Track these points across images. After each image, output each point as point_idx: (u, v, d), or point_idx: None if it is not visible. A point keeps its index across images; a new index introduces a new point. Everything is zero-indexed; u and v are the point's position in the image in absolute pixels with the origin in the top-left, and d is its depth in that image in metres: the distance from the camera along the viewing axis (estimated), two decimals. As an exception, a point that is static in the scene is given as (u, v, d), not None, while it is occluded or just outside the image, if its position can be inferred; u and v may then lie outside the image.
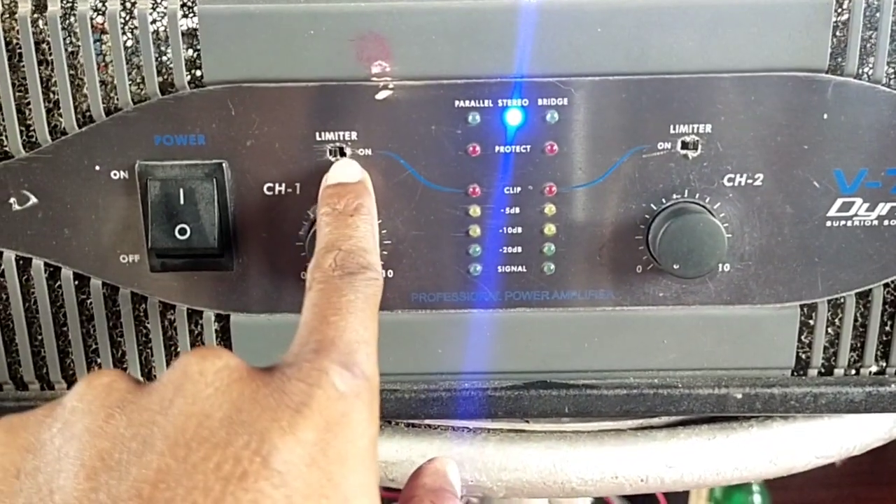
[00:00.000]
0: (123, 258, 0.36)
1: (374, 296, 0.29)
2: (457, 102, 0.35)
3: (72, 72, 0.34)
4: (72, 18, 0.34)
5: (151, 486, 0.22)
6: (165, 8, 0.34)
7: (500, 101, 0.35)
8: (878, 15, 0.34)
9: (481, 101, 0.35)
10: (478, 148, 0.35)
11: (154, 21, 0.34)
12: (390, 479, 0.38)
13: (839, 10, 0.34)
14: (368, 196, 0.33)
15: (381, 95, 0.35)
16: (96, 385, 0.25)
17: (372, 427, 0.25)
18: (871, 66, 0.34)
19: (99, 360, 0.38)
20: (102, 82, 0.34)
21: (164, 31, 0.34)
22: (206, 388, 0.24)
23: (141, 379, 0.31)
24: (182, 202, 0.35)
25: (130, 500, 0.21)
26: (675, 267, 0.35)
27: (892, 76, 0.34)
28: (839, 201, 0.36)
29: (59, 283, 0.37)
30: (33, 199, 0.36)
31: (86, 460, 0.23)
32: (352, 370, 0.25)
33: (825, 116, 0.35)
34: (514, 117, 0.35)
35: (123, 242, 0.36)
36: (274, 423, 0.23)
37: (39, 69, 0.34)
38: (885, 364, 0.38)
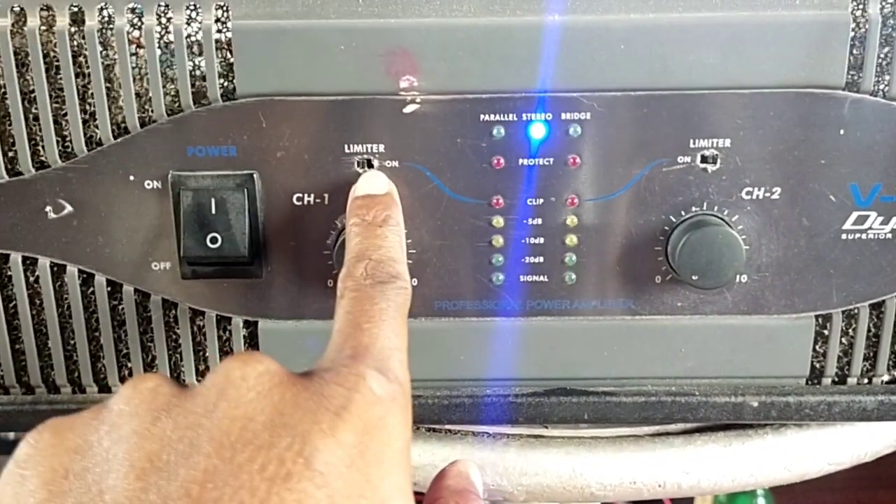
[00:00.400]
0: (155, 265, 0.37)
1: (404, 304, 0.30)
2: (482, 116, 0.36)
3: (108, 84, 0.35)
4: (109, 32, 0.35)
5: (200, 485, 0.22)
6: (200, 23, 0.35)
7: (524, 115, 0.36)
8: (894, 33, 0.35)
9: (506, 115, 0.36)
10: (502, 160, 0.36)
11: (189, 35, 0.35)
12: (414, 483, 0.39)
13: (856, 28, 0.35)
14: (396, 207, 0.34)
15: (408, 109, 0.36)
16: (142, 389, 0.25)
17: (406, 431, 0.26)
18: (886, 83, 0.35)
19: (130, 365, 0.39)
20: (137, 94, 0.35)
21: (199, 44, 0.35)
22: (249, 392, 0.25)
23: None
24: (213, 212, 0.36)
25: (180, 499, 0.22)
26: (693, 278, 0.36)
27: (907, 94, 0.35)
28: (854, 215, 0.37)
29: (92, 289, 0.38)
30: (69, 208, 0.37)
31: (135, 461, 0.23)
32: (387, 375, 0.26)
33: (841, 132, 0.35)
34: (537, 131, 0.36)
35: (156, 250, 0.37)
36: (315, 425, 0.24)
37: (76, 81, 0.35)
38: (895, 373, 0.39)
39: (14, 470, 0.25)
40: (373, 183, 0.35)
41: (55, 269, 0.37)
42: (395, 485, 0.25)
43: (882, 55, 0.35)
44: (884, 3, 0.34)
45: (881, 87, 0.35)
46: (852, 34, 0.35)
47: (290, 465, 0.23)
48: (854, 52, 0.35)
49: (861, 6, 0.35)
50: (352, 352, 0.27)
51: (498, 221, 0.37)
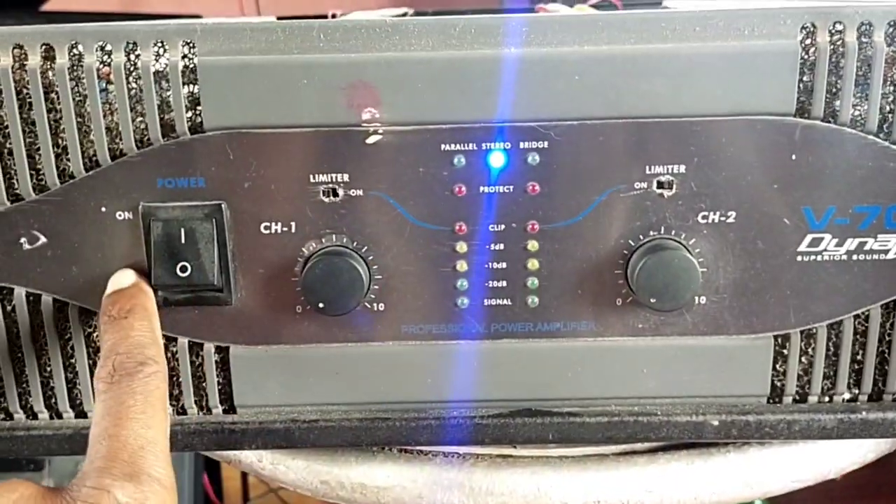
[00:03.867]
0: (128, 294, 0.38)
1: (157, 389, 0.32)
2: (443, 146, 0.37)
3: (79, 119, 0.36)
4: (79, 70, 0.36)
5: None
6: (168, 59, 0.36)
7: (483, 144, 0.37)
8: (842, 61, 0.36)
9: (466, 145, 0.37)
10: (463, 188, 0.37)
11: (157, 71, 0.36)
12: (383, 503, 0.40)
13: (805, 57, 0.35)
14: (143, 294, 0.36)
15: (371, 140, 0.37)
16: None
17: None
18: (836, 109, 0.36)
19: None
20: (108, 129, 0.36)
21: (166, 80, 0.36)
22: None
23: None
24: (183, 241, 0.37)
25: None
26: (652, 300, 0.36)
27: (858, 119, 0.36)
28: (809, 237, 0.37)
29: (66, 317, 0.39)
30: (43, 239, 0.38)
31: None
32: (138, 479, 0.28)
33: (794, 157, 0.36)
34: (497, 160, 0.37)
35: (128, 279, 0.38)
36: None
37: (48, 116, 0.36)
38: (857, 391, 0.39)
39: None
40: (119, 280, 0.37)
41: (31, 298, 0.38)
42: None
43: (830, 82, 0.36)
44: (832, 32, 0.35)
45: (831, 113, 0.36)
46: (801, 62, 0.36)
47: None
48: (804, 79, 0.36)
49: (810, 35, 0.35)
50: (101, 463, 0.29)
51: (461, 247, 0.38)
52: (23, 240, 0.38)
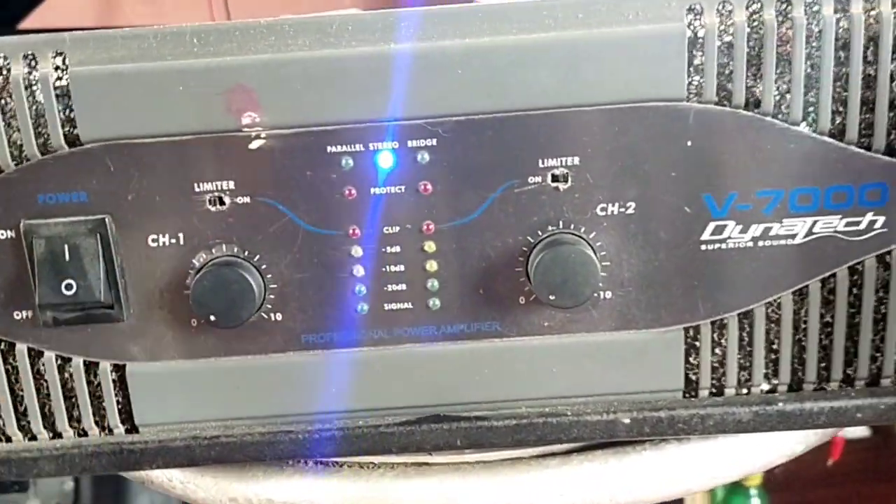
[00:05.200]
0: (17, 314, 0.37)
1: None
2: (329, 148, 0.36)
3: (-47, 137, 0.35)
4: (-52, 87, 0.35)
5: None
6: (38, 72, 0.35)
7: (370, 144, 0.35)
8: (733, 41, 0.34)
9: (352, 146, 0.35)
10: (353, 191, 0.36)
11: (29, 85, 0.35)
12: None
13: (693, 39, 0.34)
14: None
15: (253, 145, 0.35)
16: None
17: None
18: (729, 91, 0.35)
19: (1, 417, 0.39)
20: (-17, 146, 0.35)
21: (39, 93, 0.35)
22: None
23: None
24: (68, 258, 0.36)
25: None
26: (551, 298, 0.35)
27: (752, 101, 0.35)
28: (712, 225, 0.36)
29: (-42, 341, 0.38)
30: (-75, 262, 0.37)
31: None
32: None
33: (689, 143, 0.35)
34: (385, 160, 0.36)
35: (16, 299, 0.37)
36: None
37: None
38: (776, 382, 0.38)
39: None
40: None
41: (-81, 323, 0.37)
42: None
43: (721, 64, 0.35)
44: (721, 12, 0.34)
45: (724, 96, 0.35)
46: (690, 45, 0.34)
47: None
48: (694, 62, 0.35)
49: (698, 17, 0.34)
50: None
51: (356, 251, 0.37)
52: None
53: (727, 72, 0.35)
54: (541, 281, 0.35)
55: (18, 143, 0.35)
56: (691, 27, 0.34)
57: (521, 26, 0.34)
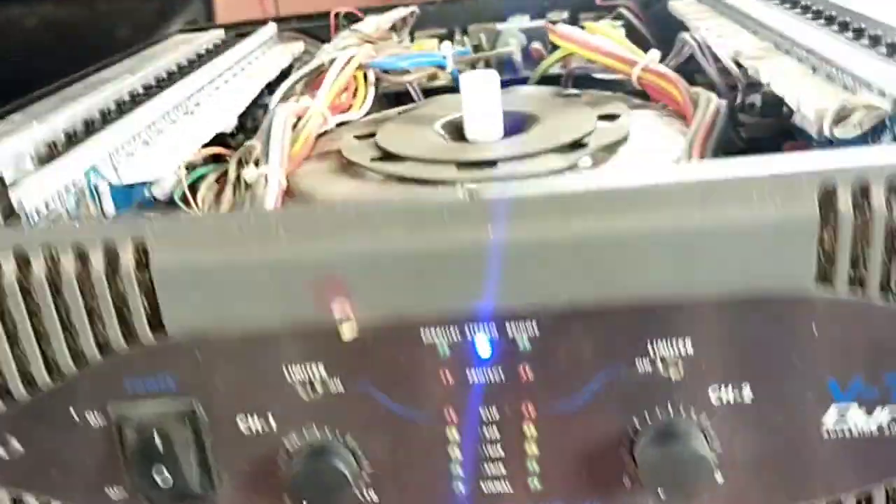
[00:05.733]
0: (109, 491, 0.37)
1: None
2: (424, 336, 0.34)
3: (39, 329, 0.34)
4: (29, 283, 0.34)
5: None
6: (120, 265, 0.33)
7: (467, 331, 0.33)
8: (867, 224, 0.31)
9: (449, 334, 0.33)
10: (450, 378, 0.34)
11: (110, 282, 0.33)
12: None
13: (823, 225, 0.31)
14: None
15: (345, 334, 0.34)
16: None
17: None
18: (859, 279, 0.32)
19: (97, 585, 0.39)
20: (69, 338, 0.34)
21: (122, 288, 0.33)
22: None
23: None
24: (160, 449, 0.35)
25: None
26: (661, 494, 0.33)
27: (887, 286, 0.32)
28: (834, 410, 0.34)
29: (51, 515, 0.37)
30: (18, 447, 0.36)
31: None
32: None
33: (815, 332, 0.32)
34: (483, 348, 0.34)
35: (107, 479, 0.36)
36: None
37: (5, 329, 0.34)
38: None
39: None
40: None
41: (14, 500, 0.37)
42: None
43: (853, 250, 0.31)
44: (856, 193, 0.31)
45: (857, 282, 0.32)
46: (820, 232, 0.31)
47: None
48: (824, 248, 0.31)
49: (832, 198, 0.31)
50: None
51: (452, 434, 0.35)
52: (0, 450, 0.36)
53: (862, 258, 0.32)
54: (650, 477, 0.33)
55: (104, 335, 0.34)
56: (822, 213, 0.31)
57: (635, 214, 0.32)
